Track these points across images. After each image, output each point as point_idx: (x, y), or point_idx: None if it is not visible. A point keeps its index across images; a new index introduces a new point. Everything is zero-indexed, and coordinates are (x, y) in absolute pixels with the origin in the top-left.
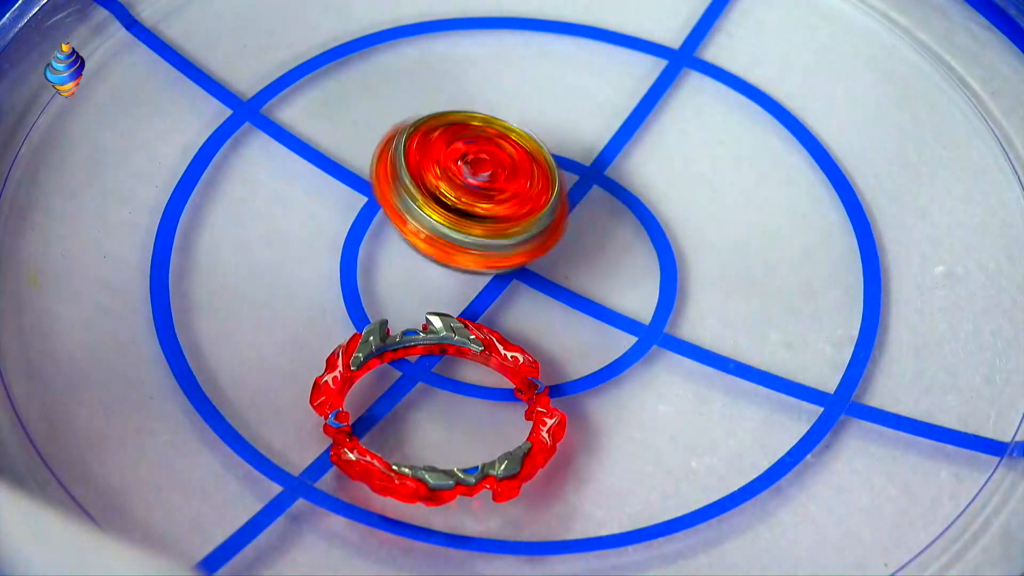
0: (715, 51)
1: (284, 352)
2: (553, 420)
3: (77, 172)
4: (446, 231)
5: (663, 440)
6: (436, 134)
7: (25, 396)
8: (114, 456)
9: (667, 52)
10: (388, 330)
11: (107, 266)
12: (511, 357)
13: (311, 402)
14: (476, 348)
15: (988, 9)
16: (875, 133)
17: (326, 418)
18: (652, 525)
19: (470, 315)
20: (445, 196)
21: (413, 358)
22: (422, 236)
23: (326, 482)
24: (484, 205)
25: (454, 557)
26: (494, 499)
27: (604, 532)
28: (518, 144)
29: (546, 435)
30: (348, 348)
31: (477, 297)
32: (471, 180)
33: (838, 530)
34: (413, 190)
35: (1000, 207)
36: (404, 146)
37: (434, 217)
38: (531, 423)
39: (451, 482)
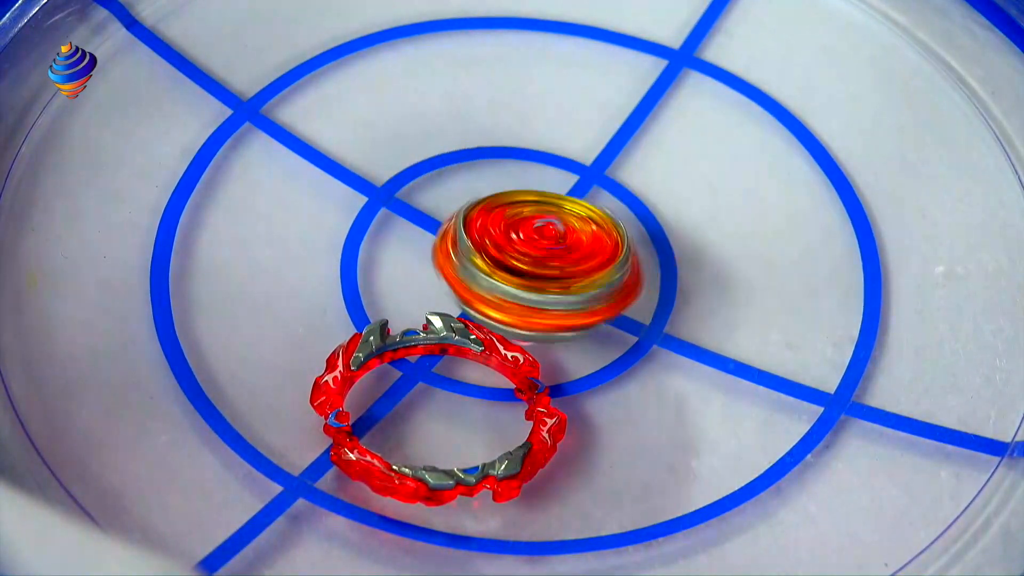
0: (715, 51)
1: (284, 352)
2: (553, 420)
3: (77, 172)
4: (521, 294)
5: (663, 440)
6: (497, 211)
7: (25, 396)
8: (114, 456)
9: (667, 52)
10: (388, 330)
11: (107, 266)
12: (511, 357)
13: (311, 402)
14: (476, 348)
15: (988, 9)
16: (875, 133)
17: (326, 418)
18: (652, 525)
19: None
20: (516, 260)
21: (413, 358)
22: (496, 304)
23: (326, 482)
24: (555, 264)
25: (454, 557)
26: (494, 499)
27: (604, 532)
28: (580, 214)
29: (546, 435)
30: (348, 348)
31: None
32: (541, 241)
33: (838, 530)
34: (479, 260)
35: (1000, 207)
36: (464, 222)
37: (506, 282)
38: (531, 423)
39: (451, 482)
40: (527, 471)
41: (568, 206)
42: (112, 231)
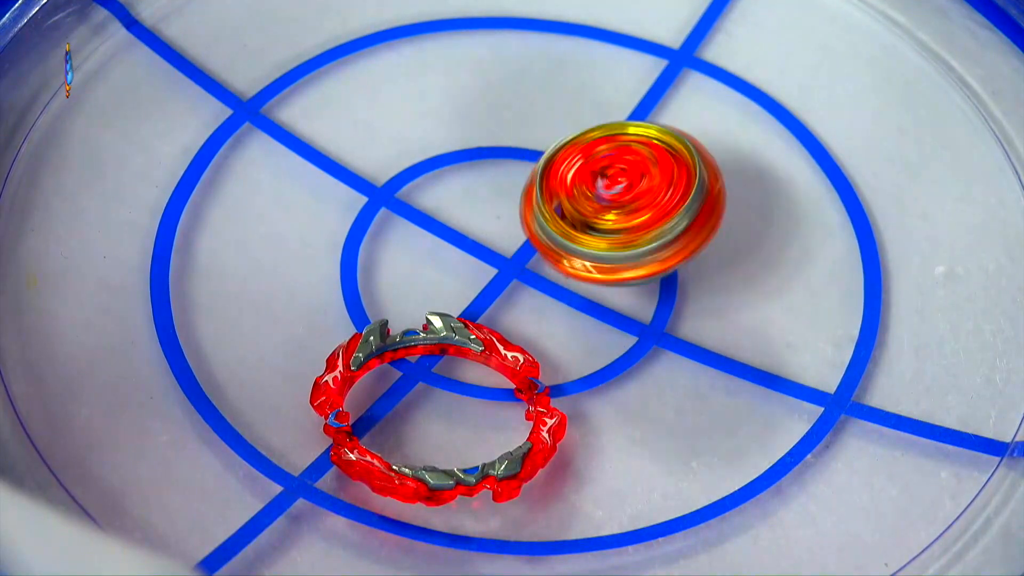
0: (715, 51)
1: (284, 352)
2: (553, 420)
3: (77, 172)
4: (602, 254)
5: (663, 440)
6: (573, 158)
7: (25, 396)
8: (114, 456)
9: (667, 52)
10: (388, 330)
11: (107, 266)
12: (511, 357)
13: (311, 402)
14: (476, 348)
15: (988, 9)
16: (875, 133)
17: (326, 418)
18: (652, 525)
19: (471, 315)
20: (579, 214)
21: (413, 358)
22: (582, 268)
23: (326, 482)
24: (610, 216)
25: (454, 557)
26: (494, 499)
27: (604, 532)
28: (654, 143)
29: (546, 435)
30: (348, 348)
31: (477, 297)
32: (604, 194)
33: (838, 530)
34: (560, 225)
35: (1000, 207)
36: (541, 183)
37: (588, 245)
38: (531, 423)
39: (451, 482)
40: (527, 471)
41: (647, 134)
42: (112, 231)
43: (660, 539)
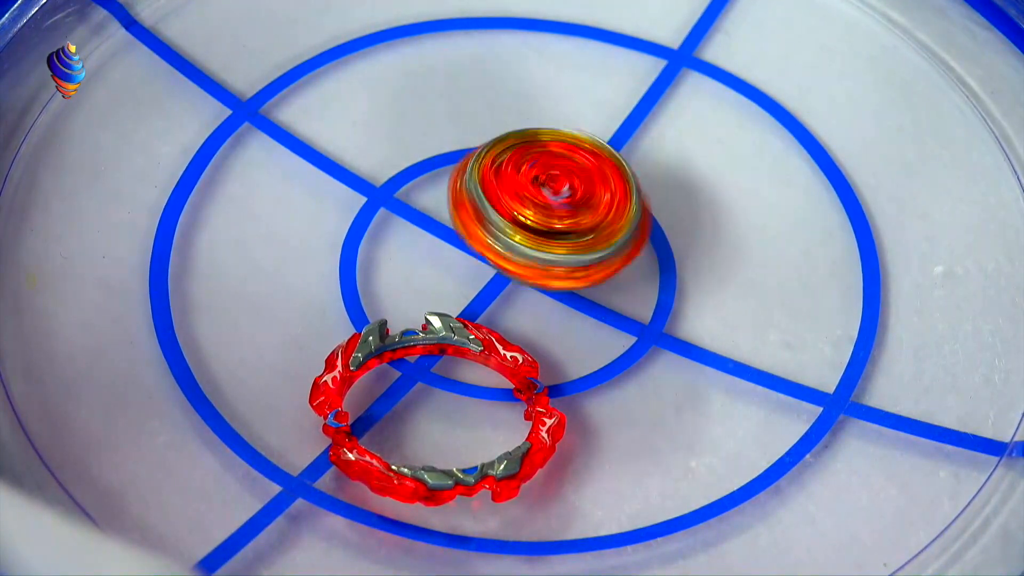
0: (714, 51)
1: (283, 352)
2: (552, 420)
3: (76, 172)
4: (542, 255)
5: (662, 440)
6: (505, 160)
7: (24, 396)
8: (113, 456)
9: (666, 52)
10: (388, 330)
11: (106, 266)
12: (510, 357)
13: (310, 402)
14: (475, 348)
15: (988, 9)
16: (875, 133)
17: (325, 418)
18: (651, 525)
19: (470, 315)
20: (531, 221)
21: (412, 358)
22: (516, 264)
23: (325, 482)
24: (569, 221)
25: (454, 557)
26: (493, 499)
27: (604, 532)
28: (587, 152)
29: (545, 435)
30: (347, 348)
31: (477, 297)
32: (552, 200)
33: (837, 530)
34: (501, 223)
35: (999, 207)
36: (479, 179)
37: (526, 244)
38: (530, 423)
39: (450, 482)
40: (526, 471)
41: (578, 143)
42: (111, 231)
43: (659, 539)
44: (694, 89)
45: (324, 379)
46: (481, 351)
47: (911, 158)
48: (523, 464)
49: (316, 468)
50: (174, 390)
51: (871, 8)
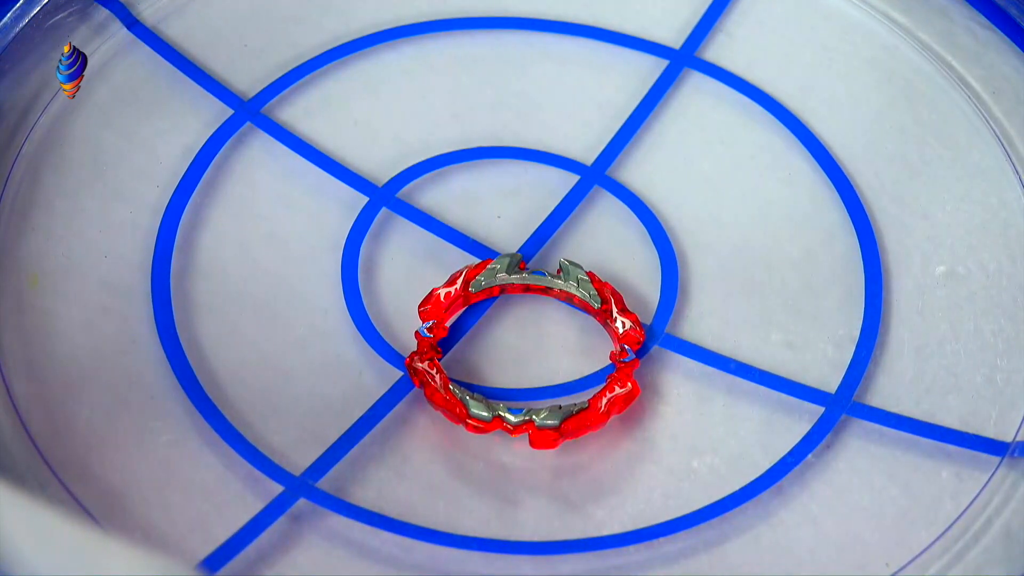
0: (716, 51)
1: (285, 351)
2: (622, 391)
3: (78, 172)
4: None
5: (664, 440)
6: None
7: (26, 396)
8: (115, 456)
9: (668, 52)
10: (523, 264)
11: (108, 266)
12: (620, 322)
13: (419, 305)
14: (595, 304)
15: (989, 9)
16: (876, 133)
17: (425, 323)
18: (653, 525)
19: (469, 315)
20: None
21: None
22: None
23: (327, 482)
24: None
25: (454, 557)
26: (530, 444)
27: (604, 532)
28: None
29: (604, 403)
30: (474, 270)
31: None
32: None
33: (839, 530)
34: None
35: (1001, 207)
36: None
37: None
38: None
39: (488, 415)
40: (568, 428)
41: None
42: (113, 231)
43: (661, 539)
44: (696, 89)
45: (440, 291)
46: (600, 307)
47: (913, 158)
48: (567, 420)
49: (318, 468)
50: (176, 389)
51: (873, 8)
